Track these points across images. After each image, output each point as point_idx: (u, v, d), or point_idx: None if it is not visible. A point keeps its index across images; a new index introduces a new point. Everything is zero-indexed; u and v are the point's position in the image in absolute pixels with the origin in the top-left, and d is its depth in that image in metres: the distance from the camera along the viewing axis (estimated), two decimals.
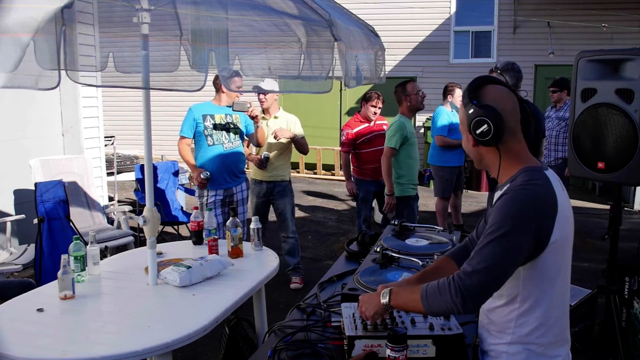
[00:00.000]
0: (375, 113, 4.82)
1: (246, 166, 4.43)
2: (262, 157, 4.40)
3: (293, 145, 4.58)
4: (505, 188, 1.49)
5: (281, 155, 4.53)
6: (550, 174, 1.51)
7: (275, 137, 4.37)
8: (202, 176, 4.01)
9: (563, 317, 1.54)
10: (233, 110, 4.02)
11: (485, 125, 1.48)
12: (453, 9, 10.47)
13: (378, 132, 4.80)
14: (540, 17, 9.72)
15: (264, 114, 4.54)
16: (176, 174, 5.88)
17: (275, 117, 4.53)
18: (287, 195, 4.60)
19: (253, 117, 4.10)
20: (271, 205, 4.65)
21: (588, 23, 9.33)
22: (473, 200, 8.30)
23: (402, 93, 4.28)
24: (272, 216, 4.75)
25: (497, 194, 1.53)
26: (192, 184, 6.49)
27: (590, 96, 2.87)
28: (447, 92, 6.04)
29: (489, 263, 1.38)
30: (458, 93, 5.97)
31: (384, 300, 1.55)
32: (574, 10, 9.53)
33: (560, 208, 1.44)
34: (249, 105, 3.98)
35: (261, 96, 4.45)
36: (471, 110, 1.51)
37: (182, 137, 4.11)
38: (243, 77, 3.06)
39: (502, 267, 1.39)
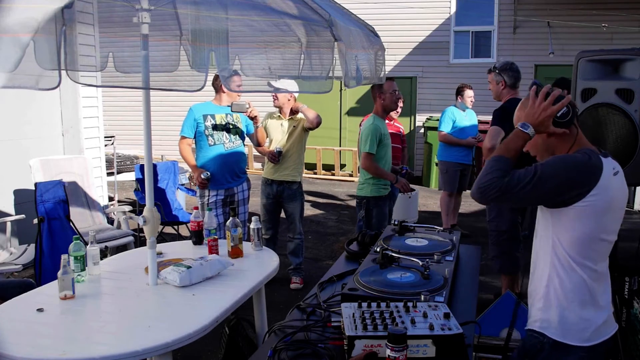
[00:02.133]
0: (397, 112, 5.08)
1: (247, 167, 4.42)
2: (275, 150, 4.39)
3: (305, 139, 4.55)
4: None
5: (293, 154, 4.49)
6: (608, 160, 1.68)
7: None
8: (202, 176, 4.01)
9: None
10: (232, 110, 4.02)
11: (565, 109, 1.68)
12: (453, 9, 10.46)
13: (393, 131, 4.86)
14: (540, 17, 9.72)
15: (280, 114, 4.52)
16: (175, 180, 5.87)
17: (291, 119, 4.48)
18: (297, 198, 4.57)
19: (252, 118, 4.10)
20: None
21: (588, 23, 9.33)
22: (473, 200, 8.29)
23: (377, 90, 4.14)
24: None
25: None
26: (192, 184, 6.49)
27: (590, 96, 2.86)
28: (458, 92, 6.10)
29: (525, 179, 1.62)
30: (468, 93, 6.02)
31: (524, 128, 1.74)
32: (574, 10, 9.53)
33: (602, 184, 1.61)
34: (247, 106, 3.98)
35: (273, 95, 4.43)
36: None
37: (183, 137, 4.11)
38: (243, 77, 3.05)
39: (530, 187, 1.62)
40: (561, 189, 1.61)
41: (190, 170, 4.59)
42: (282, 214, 4.68)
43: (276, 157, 4.41)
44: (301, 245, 4.69)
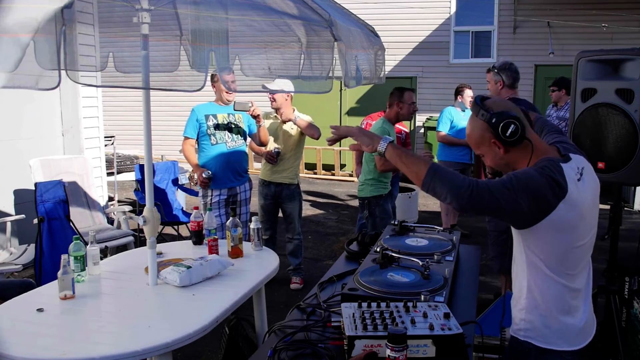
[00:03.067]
0: None
1: (249, 167, 4.39)
2: (273, 151, 4.34)
3: (302, 142, 4.52)
4: None
5: (291, 157, 4.45)
6: (568, 165, 1.62)
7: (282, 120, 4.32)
8: (204, 175, 4.02)
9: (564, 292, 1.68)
10: (234, 109, 4.02)
11: (513, 125, 1.63)
12: (453, 9, 10.46)
13: (396, 133, 4.83)
14: (540, 17, 9.72)
15: (276, 114, 4.45)
16: (175, 181, 5.86)
17: (288, 120, 4.41)
18: (296, 198, 4.55)
19: (255, 117, 4.09)
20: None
21: (588, 23, 9.33)
22: None
23: (397, 98, 4.20)
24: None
25: None
26: (192, 183, 6.49)
27: (590, 96, 2.86)
28: (457, 92, 6.11)
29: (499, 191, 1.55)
30: (467, 93, 6.03)
31: (381, 147, 1.81)
32: (574, 10, 9.53)
33: (570, 195, 1.56)
34: (250, 105, 3.97)
35: (270, 96, 4.38)
36: (494, 120, 1.64)
37: (186, 138, 4.11)
38: (243, 77, 3.04)
39: (504, 199, 1.55)
40: (520, 211, 1.56)
41: (190, 170, 4.59)
42: (280, 214, 4.67)
43: (274, 158, 4.37)
44: (300, 245, 4.68)
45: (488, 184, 1.57)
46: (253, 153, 5.21)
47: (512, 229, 1.71)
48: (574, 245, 1.63)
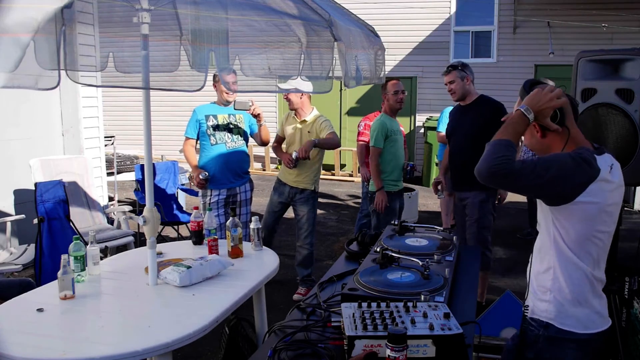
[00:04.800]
0: None
1: (250, 168, 4.36)
2: (293, 156, 4.21)
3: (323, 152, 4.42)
4: None
5: (308, 162, 4.29)
6: (603, 157, 1.71)
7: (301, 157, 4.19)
8: (200, 177, 4.01)
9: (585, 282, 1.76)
10: (235, 108, 4.01)
11: (552, 112, 1.71)
12: (453, 9, 10.47)
13: None
14: (540, 17, 9.72)
15: (295, 116, 4.36)
16: (175, 180, 5.87)
17: (304, 121, 4.31)
18: (309, 203, 4.37)
19: (255, 116, 4.09)
20: (291, 209, 4.51)
21: (588, 23, 9.33)
22: None
23: (382, 90, 4.35)
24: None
25: None
26: (191, 183, 6.49)
27: (590, 96, 2.86)
28: None
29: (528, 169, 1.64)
30: None
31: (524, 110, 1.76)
32: (574, 10, 9.53)
33: (596, 185, 1.65)
34: (250, 104, 3.97)
35: (285, 97, 4.39)
36: None
37: (187, 138, 4.11)
38: (243, 77, 3.04)
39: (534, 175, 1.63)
40: (557, 182, 1.64)
41: (190, 170, 4.58)
42: (283, 216, 4.64)
43: (292, 162, 4.22)
44: (311, 256, 4.42)
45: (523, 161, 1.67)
46: (253, 153, 5.22)
47: (541, 211, 1.80)
48: (598, 230, 1.71)
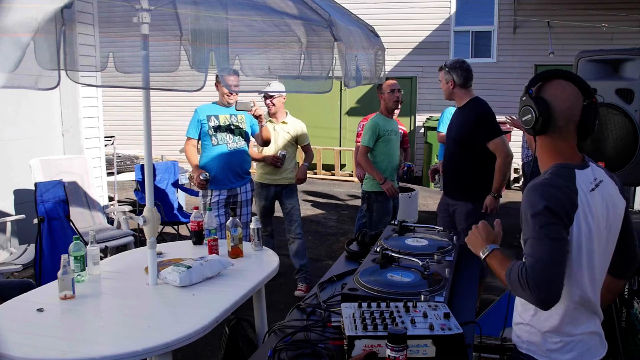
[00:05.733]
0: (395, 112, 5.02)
1: (250, 168, 4.42)
2: (280, 155, 4.41)
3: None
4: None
5: (290, 158, 4.54)
6: (583, 172, 1.57)
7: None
8: (201, 177, 4.01)
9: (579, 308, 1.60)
10: (236, 109, 4.02)
11: (529, 115, 1.57)
12: (453, 9, 10.47)
13: None
14: (540, 17, 9.73)
15: (271, 118, 4.52)
16: (175, 183, 5.87)
17: (284, 122, 4.53)
18: (295, 196, 4.62)
19: (257, 117, 4.09)
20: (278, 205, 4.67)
21: (588, 23, 9.33)
22: None
23: (378, 91, 4.35)
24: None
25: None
26: (191, 184, 6.49)
27: None
28: None
29: (538, 255, 1.45)
30: None
31: (483, 254, 1.71)
32: (574, 10, 9.53)
33: (581, 206, 1.50)
34: (252, 105, 3.97)
35: (268, 101, 4.45)
36: (524, 97, 1.60)
37: (189, 138, 4.11)
38: (243, 77, 3.05)
39: (551, 255, 1.45)
40: (556, 236, 1.47)
41: (190, 170, 4.59)
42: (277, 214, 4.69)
43: (281, 161, 4.42)
44: (303, 245, 4.64)
45: (532, 256, 1.47)
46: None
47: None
48: (587, 256, 1.54)
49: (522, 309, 1.69)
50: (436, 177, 4.01)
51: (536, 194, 1.51)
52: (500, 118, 4.04)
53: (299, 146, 4.66)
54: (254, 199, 4.49)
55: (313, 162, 10.28)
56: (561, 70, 1.62)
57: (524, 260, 1.54)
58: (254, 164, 4.60)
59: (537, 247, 1.47)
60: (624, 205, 1.68)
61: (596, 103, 1.59)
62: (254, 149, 4.60)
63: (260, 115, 4.07)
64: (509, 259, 1.64)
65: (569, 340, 1.60)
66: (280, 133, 4.50)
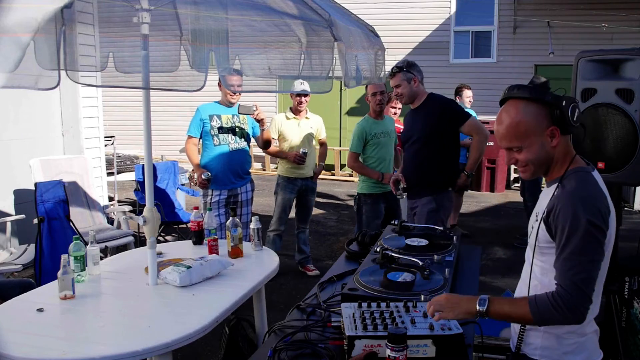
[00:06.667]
0: (395, 114, 5.13)
1: (260, 167, 4.45)
2: (301, 152, 4.60)
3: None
4: (558, 186, 1.56)
5: (312, 152, 4.82)
6: (596, 173, 1.59)
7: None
8: (202, 177, 4.01)
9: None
10: (239, 112, 4.03)
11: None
12: (453, 9, 10.47)
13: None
14: (540, 17, 9.73)
15: (294, 114, 4.73)
16: (175, 180, 5.88)
17: (307, 118, 4.80)
18: (315, 191, 4.92)
19: (259, 121, 4.09)
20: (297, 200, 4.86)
21: (588, 23, 9.33)
22: (473, 200, 8.30)
23: (365, 93, 4.37)
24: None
25: (551, 187, 1.60)
26: (192, 183, 6.49)
27: (590, 96, 2.86)
28: (456, 92, 6.11)
29: (578, 278, 1.46)
30: (466, 93, 6.05)
31: (481, 308, 1.53)
32: (574, 10, 9.53)
33: (611, 207, 1.54)
34: (254, 109, 3.97)
35: (301, 99, 4.64)
36: (564, 102, 1.51)
37: (190, 137, 4.11)
38: (243, 78, 3.04)
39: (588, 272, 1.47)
40: (601, 254, 1.49)
41: (190, 170, 4.60)
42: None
43: (303, 159, 4.61)
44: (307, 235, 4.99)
45: (570, 279, 1.46)
46: (253, 153, 5.29)
47: (536, 253, 1.61)
48: (607, 251, 1.56)
49: None
50: (400, 186, 3.72)
51: (578, 207, 1.47)
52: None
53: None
54: (277, 194, 4.75)
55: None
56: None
57: (531, 260, 1.56)
58: (253, 163, 4.62)
59: (578, 268, 1.46)
60: None
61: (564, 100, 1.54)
62: (274, 143, 4.74)
63: (262, 119, 4.08)
64: (509, 297, 1.64)
65: (583, 341, 1.62)
66: (305, 128, 4.73)
